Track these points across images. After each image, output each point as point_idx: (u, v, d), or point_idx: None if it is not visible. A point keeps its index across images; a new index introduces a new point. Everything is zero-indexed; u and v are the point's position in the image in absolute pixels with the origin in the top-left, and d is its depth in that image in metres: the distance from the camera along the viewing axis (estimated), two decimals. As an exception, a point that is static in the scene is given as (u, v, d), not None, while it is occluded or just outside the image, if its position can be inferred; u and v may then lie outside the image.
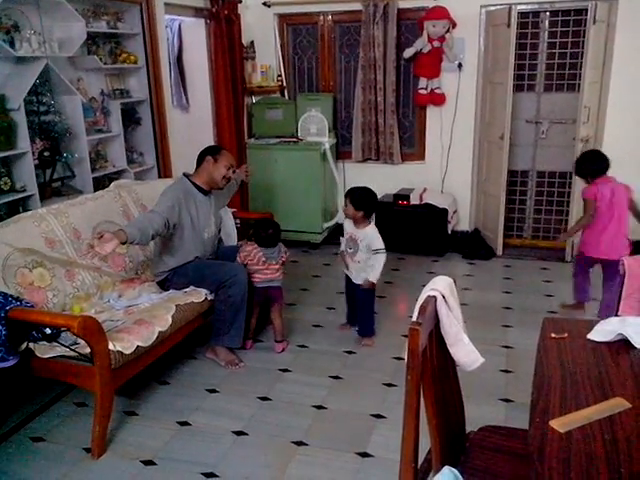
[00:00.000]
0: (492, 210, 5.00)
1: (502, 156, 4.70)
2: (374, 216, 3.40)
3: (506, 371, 3.11)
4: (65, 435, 2.68)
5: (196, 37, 4.94)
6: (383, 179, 5.32)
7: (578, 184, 4.33)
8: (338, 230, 5.36)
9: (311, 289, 4.38)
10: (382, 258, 3.32)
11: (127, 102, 4.11)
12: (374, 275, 3.32)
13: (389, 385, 3.01)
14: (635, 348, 1.72)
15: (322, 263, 4.94)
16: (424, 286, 1.59)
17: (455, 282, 1.66)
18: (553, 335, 1.78)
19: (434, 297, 1.52)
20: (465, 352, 1.60)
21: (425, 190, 5.10)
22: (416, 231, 4.97)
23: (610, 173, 3.53)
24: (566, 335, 1.78)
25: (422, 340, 1.40)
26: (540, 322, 1.94)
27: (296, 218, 5.12)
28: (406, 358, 1.43)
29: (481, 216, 5.28)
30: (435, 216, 4.92)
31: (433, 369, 1.51)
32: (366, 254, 3.34)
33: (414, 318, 1.45)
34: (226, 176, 3.28)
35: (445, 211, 4.92)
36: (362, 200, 3.30)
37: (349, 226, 3.41)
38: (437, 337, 1.56)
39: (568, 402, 1.45)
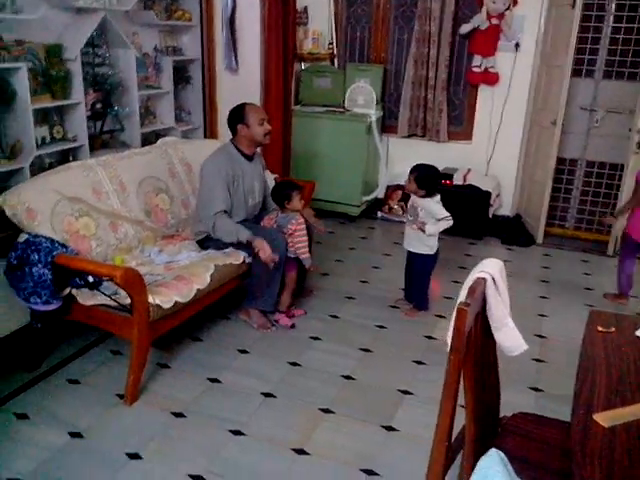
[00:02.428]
0: (536, 197, 4.89)
1: (552, 142, 4.57)
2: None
3: (538, 360, 3.07)
4: (100, 380, 2.77)
5: (250, -2, 4.87)
6: (427, 156, 5.15)
7: (629, 176, 4.20)
8: (377, 204, 5.35)
9: (345, 261, 4.37)
10: (444, 224, 3.30)
11: (179, 60, 4.12)
12: (430, 228, 3.28)
13: (419, 363, 3.01)
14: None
15: (358, 236, 4.92)
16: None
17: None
18: (600, 329, 1.75)
19: (484, 279, 1.50)
20: (510, 336, 1.58)
21: (469, 171, 5.00)
22: (456, 212, 4.80)
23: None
24: (613, 330, 1.74)
25: (469, 321, 1.39)
26: (577, 315, 1.92)
27: (336, 189, 5.08)
28: (450, 338, 1.43)
29: (524, 202, 5.16)
30: (477, 198, 4.83)
31: (476, 351, 1.50)
32: (428, 221, 3.30)
33: (462, 298, 1.44)
34: (266, 131, 3.26)
35: (488, 194, 4.83)
36: (427, 180, 3.28)
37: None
38: (482, 320, 1.55)
39: (613, 397, 1.43)
